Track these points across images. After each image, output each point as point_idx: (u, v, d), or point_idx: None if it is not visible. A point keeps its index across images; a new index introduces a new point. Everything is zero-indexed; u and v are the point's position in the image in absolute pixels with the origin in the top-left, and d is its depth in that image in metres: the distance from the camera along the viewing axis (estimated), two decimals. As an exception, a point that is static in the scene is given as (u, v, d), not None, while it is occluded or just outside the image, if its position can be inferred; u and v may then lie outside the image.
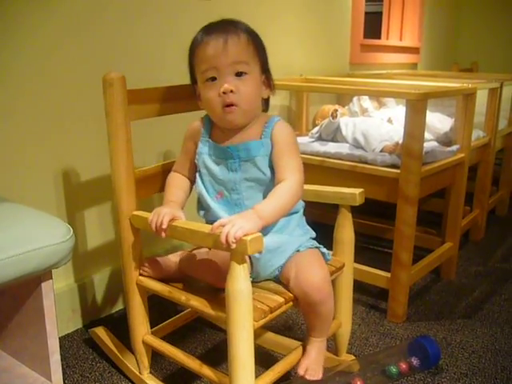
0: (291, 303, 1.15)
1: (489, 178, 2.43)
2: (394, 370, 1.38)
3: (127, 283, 1.27)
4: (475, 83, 2.01)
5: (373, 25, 3.36)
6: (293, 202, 1.13)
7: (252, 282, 1.01)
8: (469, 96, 1.91)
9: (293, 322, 1.71)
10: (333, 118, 2.00)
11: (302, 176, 1.15)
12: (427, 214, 2.43)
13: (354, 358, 1.45)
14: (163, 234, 1.10)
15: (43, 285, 1.11)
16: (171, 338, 1.36)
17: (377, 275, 1.77)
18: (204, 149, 1.22)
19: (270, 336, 1.55)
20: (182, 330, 1.55)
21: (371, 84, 1.99)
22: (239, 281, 0.97)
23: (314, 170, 1.84)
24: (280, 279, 1.20)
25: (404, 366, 1.39)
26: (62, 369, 1.22)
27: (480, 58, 3.95)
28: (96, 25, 1.54)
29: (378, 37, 3.39)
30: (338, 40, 2.76)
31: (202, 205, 1.25)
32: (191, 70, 1.20)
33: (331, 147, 1.92)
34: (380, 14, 3.47)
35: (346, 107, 2.39)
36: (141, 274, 1.26)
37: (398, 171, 1.64)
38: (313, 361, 1.22)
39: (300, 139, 1.98)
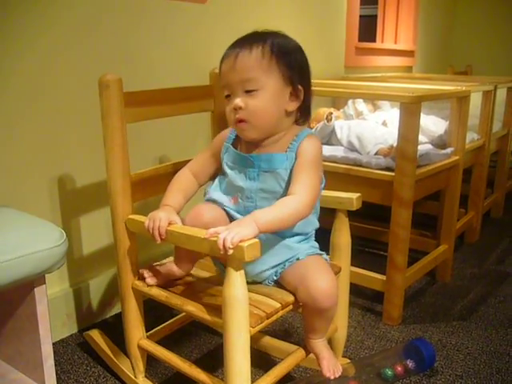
0: (288, 308, 1.15)
1: (483, 180, 2.43)
2: (389, 372, 1.38)
3: (123, 287, 1.27)
4: (469, 86, 2.02)
5: (368, 28, 3.37)
6: (294, 219, 1.10)
7: (248, 286, 1.00)
8: (463, 99, 1.91)
9: (289, 325, 1.70)
10: (327, 121, 2.00)
11: (314, 197, 1.11)
12: (422, 216, 2.44)
13: (349, 361, 1.45)
14: (159, 240, 1.10)
15: (36, 290, 1.11)
16: (166, 342, 1.36)
17: (372, 278, 1.77)
18: (226, 155, 1.22)
19: (266, 339, 1.55)
20: (178, 333, 1.54)
21: (366, 87, 1.99)
22: (236, 287, 0.97)
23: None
24: (285, 287, 1.19)
25: (399, 369, 1.39)
26: (57, 374, 1.21)
27: (474, 61, 3.97)
28: (92, 31, 1.54)
29: (373, 40, 3.40)
30: (332, 43, 2.77)
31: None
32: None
33: (326, 150, 1.92)
34: (375, 17, 3.48)
35: (341, 110, 2.40)
36: (143, 279, 1.25)
37: (393, 174, 1.64)
38: (330, 359, 1.24)
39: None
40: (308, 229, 1.22)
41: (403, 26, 3.53)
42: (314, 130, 2.10)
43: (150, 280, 1.23)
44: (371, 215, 2.34)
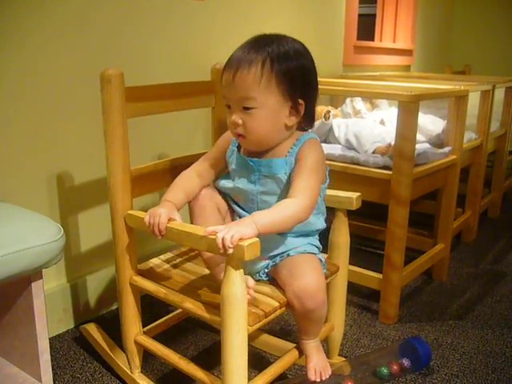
0: (286, 307, 1.15)
1: (481, 179, 2.44)
2: (385, 371, 1.38)
3: (121, 282, 1.27)
4: (467, 85, 2.02)
5: (366, 27, 3.36)
6: (293, 221, 1.09)
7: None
8: (461, 98, 1.91)
9: (285, 323, 1.71)
10: (325, 120, 2.00)
11: (313, 200, 1.11)
12: (419, 215, 2.44)
13: (344, 359, 1.45)
14: (159, 236, 1.09)
15: (33, 285, 1.11)
16: (163, 338, 1.36)
17: (369, 276, 1.77)
18: (231, 158, 1.23)
19: (263, 337, 1.55)
20: (174, 329, 1.54)
21: (364, 85, 1.99)
22: (235, 285, 0.97)
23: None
24: (278, 283, 1.19)
25: (395, 367, 1.39)
26: (53, 369, 1.21)
27: (473, 60, 3.97)
28: (89, 25, 1.53)
29: (372, 39, 3.40)
30: (331, 41, 2.77)
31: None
32: None
33: (324, 148, 1.91)
34: (373, 16, 3.48)
35: (339, 108, 2.39)
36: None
37: (390, 172, 1.64)
38: (318, 362, 1.23)
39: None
40: (307, 229, 1.21)
41: (402, 25, 3.53)
42: (311, 128, 2.10)
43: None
44: (368, 214, 2.34)
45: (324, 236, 1.33)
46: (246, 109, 1.09)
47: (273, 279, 1.21)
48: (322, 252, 1.26)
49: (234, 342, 1.00)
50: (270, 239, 1.17)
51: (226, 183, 1.25)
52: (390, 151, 1.74)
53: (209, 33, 1.91)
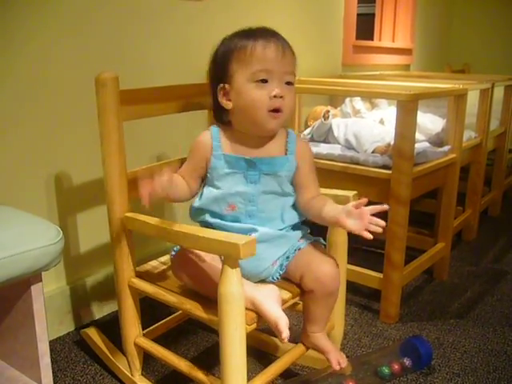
0: (287, 304, 1.16)
1: (481, 178, 2.43)
2: (386, 370, 1.38)
3: (119, 284, 1.27)
4: (467, 84, 2.02)
5: (365, 26, 3.36)
6: None
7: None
8: (460, 97, 1.91)
9: (285, 323, 1.70)
10: (325, 119, 2.00)
11: None
12: (419, 214, 2.44)
13: (346, 358, 1.45)
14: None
15: (33, 288, 1.11)
16: (163, 340, 1.36)
17: (369, 276, 1.77)
18: (219, 163, 1.16)
19: (263, 337, 1.55)
20: (174, 331, 1.54)
21: (363, 85, 1.99)
22: (231, 284, 0.97)
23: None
24: (290, 279, 1.21)
25: (396, 367, 1.39)
26: (54, 372, 1.21)
27: (472, 59, 3.97)
28: (87, 28, 1.53)
29: (371, 38, 3.39)
30: (330, 41, 2.76)
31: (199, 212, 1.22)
32: (220, 68, 1.14)
33: (323, 148, 1.92)
34: (372, 15, 3.48)
35: (339, 108, 2.39)
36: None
37: (390, 172, 1.64)
38: (336, 352, 1.26)
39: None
40: (296, 219, 1.25)
41: (401, 24, 3.53)
42: (311, 128, 2.10)
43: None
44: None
45: (322, 234, 1.33)
46: (288, 84, 1.12)
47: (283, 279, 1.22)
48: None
49: (232, 341, 1.00)
50: (274, 243, 1.18)
51: (209, 193, 1.18)
52: (389, 150, 1.73)
53: (207, 34, 1.91)
